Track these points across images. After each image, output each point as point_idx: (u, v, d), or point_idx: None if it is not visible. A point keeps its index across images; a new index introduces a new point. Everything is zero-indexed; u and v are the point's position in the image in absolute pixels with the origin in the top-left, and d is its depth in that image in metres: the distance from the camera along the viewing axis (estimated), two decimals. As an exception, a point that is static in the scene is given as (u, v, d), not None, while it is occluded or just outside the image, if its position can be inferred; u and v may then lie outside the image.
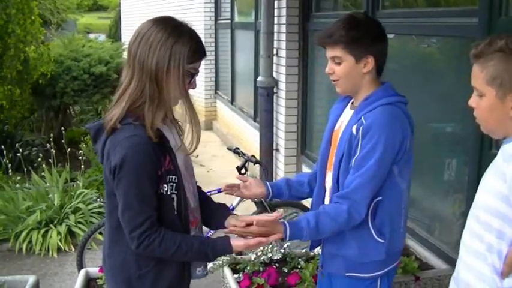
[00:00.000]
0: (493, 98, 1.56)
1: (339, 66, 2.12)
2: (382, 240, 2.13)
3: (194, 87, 1.91)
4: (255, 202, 4.28)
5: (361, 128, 2.03)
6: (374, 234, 2.13)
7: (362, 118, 2.05)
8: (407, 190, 2.19)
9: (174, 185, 1.89)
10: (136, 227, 1.80)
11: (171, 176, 1.88)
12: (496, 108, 1.56)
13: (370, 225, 2.12)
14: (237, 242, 1.92)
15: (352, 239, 2.15)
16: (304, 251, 3.49)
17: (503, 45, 1.53)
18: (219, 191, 4.00)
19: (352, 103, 2.24)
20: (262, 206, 4.23)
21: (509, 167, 1.50)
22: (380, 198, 2.09)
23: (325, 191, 2.28)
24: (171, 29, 1.82)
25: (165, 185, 1.86)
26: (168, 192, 1.87)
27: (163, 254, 1.86)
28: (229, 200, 3.70)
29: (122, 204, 1.82)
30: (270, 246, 3.57)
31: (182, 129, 2.02)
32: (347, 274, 2.21)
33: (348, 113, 2.22)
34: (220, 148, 8.60)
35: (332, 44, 2.11)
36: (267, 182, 2.40)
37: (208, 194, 3.82)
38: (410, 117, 2.13)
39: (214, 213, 2.13)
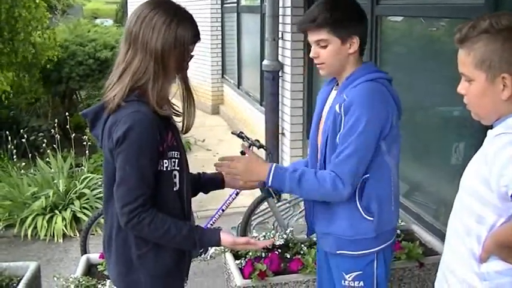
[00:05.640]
0: (483, 82, 1.51)
1: (324, 49, 2.11)
2: (371, 218, 2.13)
3: (187, 68, 1.95)
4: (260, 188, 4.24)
5: (342, 104, 2.04)
6: (362, 212, 2.12)
7: (344, 95, 2.06)
8: (395, 168, 2.18)
9: (177, 161, 1.91)
10: (129, 203, 1.79)
11: (173, 152, 1.90)
12: (488, 92, 1.51)
13: (358, 203, 2.12)
14: (226, 236, 1.92)
15: (341, 216, 2.16)
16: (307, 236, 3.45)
17: (487, 25, 1.48)
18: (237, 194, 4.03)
19: (337, 84, 2.24)
20: (267, 191, 4.18)
21: (490, 148, 1.47)
22: (367, 175, 2.09)
23: None
24: (174, 11, 1.84)
25: (166, 161, 1.86)
26: (169, 169, 1.88)
27: (152, 234, 1.84)
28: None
29: (118, 178, 1.81)
30: (273, 231, 3.55)
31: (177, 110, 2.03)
32: (338, 252, 2.22)
33: (333, 95, 2.22)
34: (226, 132, 8.57)
35: (317, 27, 2.08)
36: None
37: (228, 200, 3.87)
38: (394, 93, 2.12)
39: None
